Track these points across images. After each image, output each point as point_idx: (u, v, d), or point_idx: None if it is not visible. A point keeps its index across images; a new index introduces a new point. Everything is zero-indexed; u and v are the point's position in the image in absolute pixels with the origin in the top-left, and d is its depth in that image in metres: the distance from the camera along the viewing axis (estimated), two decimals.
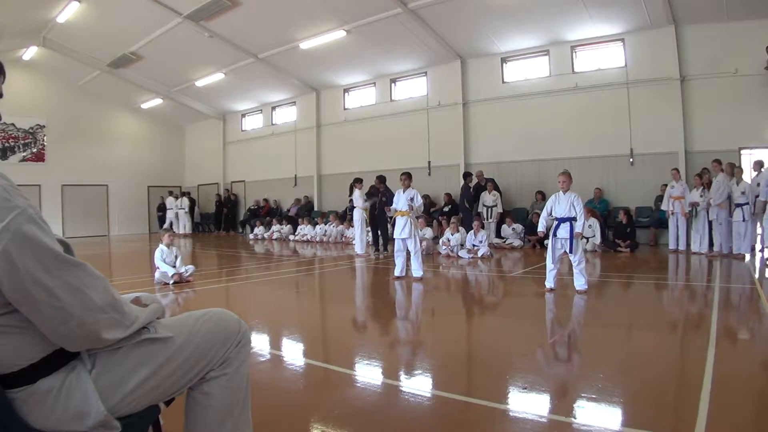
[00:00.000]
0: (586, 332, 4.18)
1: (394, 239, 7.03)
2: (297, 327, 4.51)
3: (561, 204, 5.43)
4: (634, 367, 3.12)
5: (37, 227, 1.06)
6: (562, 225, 5.39)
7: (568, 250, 5.40)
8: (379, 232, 10.28)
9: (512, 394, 2.67)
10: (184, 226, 18.13)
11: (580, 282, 5.42)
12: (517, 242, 10.73)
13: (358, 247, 10.20)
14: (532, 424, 2.29)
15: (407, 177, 7.03)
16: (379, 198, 9.90)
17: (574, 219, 5.35)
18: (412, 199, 6.82)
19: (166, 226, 17.93)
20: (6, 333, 1.09)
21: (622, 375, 2.93)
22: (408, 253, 6.79)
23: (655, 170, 10.62)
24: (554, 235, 5.46)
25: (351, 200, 10.63)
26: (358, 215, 10.25)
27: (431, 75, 13.89)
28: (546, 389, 2.73)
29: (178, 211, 18.27)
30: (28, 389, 1.13)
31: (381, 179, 10.13)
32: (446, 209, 12.39)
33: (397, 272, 6.76)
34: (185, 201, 18.42)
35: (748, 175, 8.79)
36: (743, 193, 8.11)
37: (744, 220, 8.09)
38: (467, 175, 11.76)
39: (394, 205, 7.05)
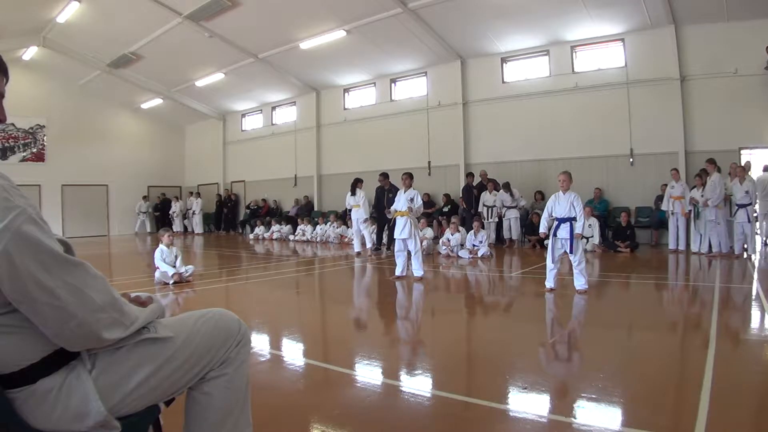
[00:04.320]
0: (586, 332, 4.19)
1: (394, 239, 7.03)
2: (297, 327, 4.51)
3: (561, 204, 5.43)
4: (634, 367, 3.12)
5: (37, 227, 1.06)
6: (562, 225, 5.39)
7: (568, 251, 5.41)
8: (385, 231, 10.28)
9: (512, 394, 2.67)
10: (199, 225, 18.63)
11: (580, 282, 5.42)
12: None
13: (357, 246, 10.21)
14: (532, 424, 2.29)
15: (408, 177, 7.03)
16: (386, 195, 9.88)
17: (574, 219, 5.36)
18: (412, 200, 6.82)
19: (176, 228, 18.16)
20: (6, 333, 1.09)
21: (622, 375, 2.93)
22: (408, 252, 6.80)
23: (655, 170, 10.62)
24: (554, 235, 5.46)
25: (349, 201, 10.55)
26: (359, 215, 10.22)
27: (431, 75, 13.89)
28: (546, 389, 2.73)
29: (195, 210, 18.59)
30: (28, 389, 1.13)
31: (385, 176, 10.12)
32: (446, 209, 12.40)
33: (397, 272, 6.77)
34: (199, 201, 18.75)
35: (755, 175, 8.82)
36: (747, 192, 8.10)
37: (748, 222, 8.09)
38: (469, 175, 11.77)
39: (394, 206, 7.06)
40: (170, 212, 19.17)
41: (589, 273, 7.58)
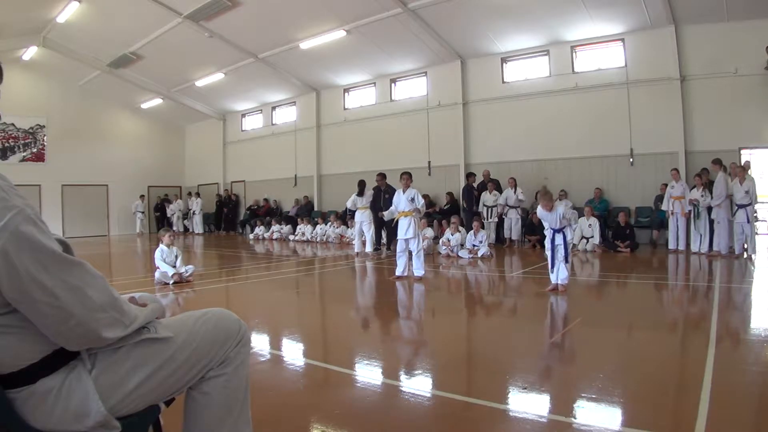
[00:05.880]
0: (586, 332, 4.18)
1: (396, 239, 7.00)
2: (297, 327, 4.51)
3: (550, 219, 5.58)
4: (634, 367, 3.12)
5: (35, 227, 1.06)
6: (556, 234, 5.57)
7: (559, 256, 5.51)
8: (383, 231, 10.25)
9: (512, 394, 2.67)
10: (199, 225, 18.61)
11: (562, 276, 5.51)
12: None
13: (358, 246, 10.20)
14: (532, 424, 2.29)
15: (408, 177, 6.96)
16: (382, 195, 9.89)
17: (567, 227, 5.56)
18: (412, 200, 6.79)
19: (175, 227, 18.12)
20: (6, 333, 1.09)
21: (622, 375, 2.93)
22: (410, 252, 6.78)
23: (655, 170, 10.62)
24: (550, 240, 5.61)
25: (354, 202, 10.48)
26: (364, 216, 10.17)
27: (431, 75, 13.89)
28: (546, 389, 2.74)
29: (195, 211, 18.54)
30: (28, 389, 1.13)
31: (382, 176, 10.14)
32: (446, 207, 12.41)
33: (398, 272, 6.75)
34: (199, 201, 18.73)
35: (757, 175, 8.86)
36: (747, 192, 8.09)
37: (748, 222, 8.09)
38: (470, 175, 11.77)
39: (395, 206, 6.98)
40: (168, 212, 19.13)
41: (588, 273, 7.64)
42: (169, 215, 19.16)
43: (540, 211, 5.67)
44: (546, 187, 5.80)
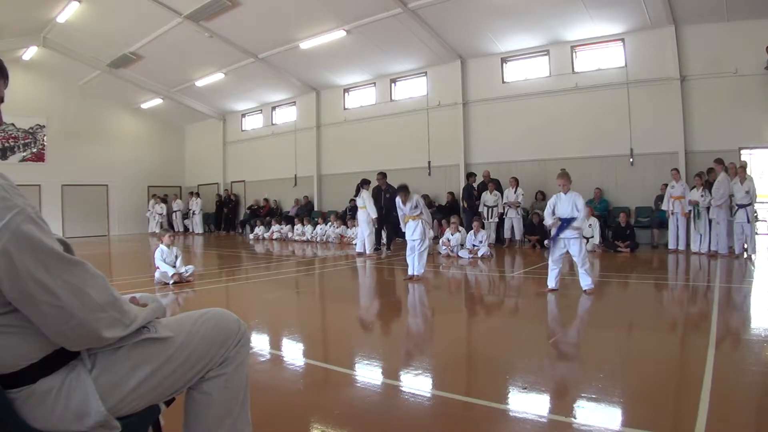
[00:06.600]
0: (586, 332, 4.18)
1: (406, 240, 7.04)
2: (297, 327, 4.51)
3: (563, 204, 5.44)
4: (634, 367, 3.12)
5: (36, 226, 1.06)
6: (566, 225, 5.39)
7: (570, 251, 5.40)
8: (384, 232, 10.23)
9: (512, 394, 2.67)
10: (199, 225, 18.66)
11: (586, 282, 5.39)
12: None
13: (360, 246, 10.17)
14: (532, 424, 2.29)
15: (405, 192, 6.89)
16: (383, 195, 9.86)
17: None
18: (416, 207, 6.85)
19: (165, 226, 18.00)
20: (6, 333, 1.09)
21: (622, 375, 2.93)
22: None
23: (655, 170, 10.62)
24: (557, 235, 5.46)
25: (354, 200, 10.48)
26: (364, 216, 10.16)
27: (431, 75, 13.89)
28: (546, 389, 2.73)
29: (194, 211, 18.54)
30: (28, 389, 1.13)
31: (383, 175, 10.11)
32: (446, 205, 12.42)
33: (410, 272, 6.77)
34: (199, 201, 18.73)
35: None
36: (747, 192, 8.09)
37: (748, 222, 8.09)
38: (470, 175, 11.77)
39: (404, 212, 7.00)
40: (147, 213, 19.02)
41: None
42: (148, 215, 18.92)
43: (553, 199, 5.51)
44: (564, 169, 5.68)
